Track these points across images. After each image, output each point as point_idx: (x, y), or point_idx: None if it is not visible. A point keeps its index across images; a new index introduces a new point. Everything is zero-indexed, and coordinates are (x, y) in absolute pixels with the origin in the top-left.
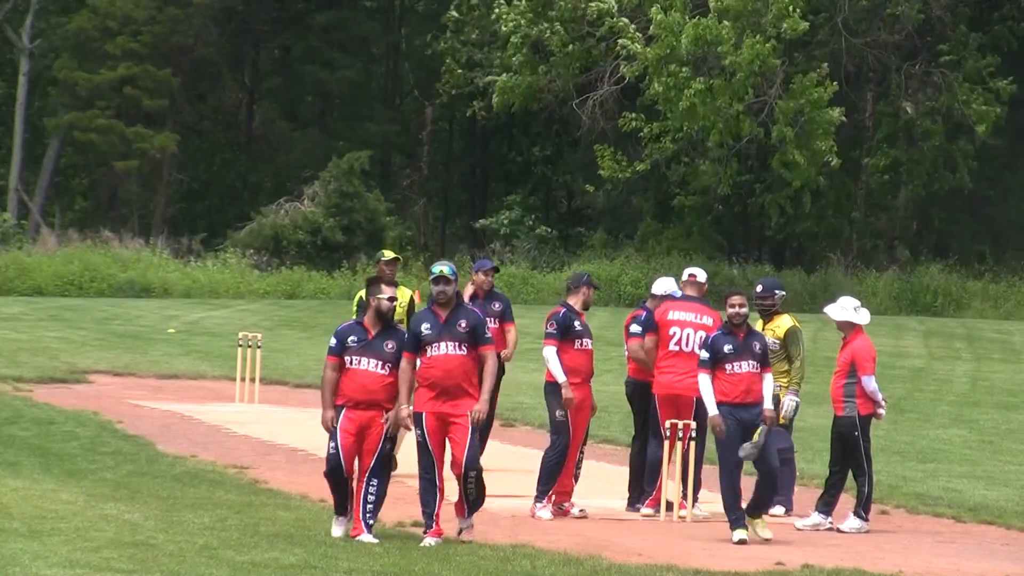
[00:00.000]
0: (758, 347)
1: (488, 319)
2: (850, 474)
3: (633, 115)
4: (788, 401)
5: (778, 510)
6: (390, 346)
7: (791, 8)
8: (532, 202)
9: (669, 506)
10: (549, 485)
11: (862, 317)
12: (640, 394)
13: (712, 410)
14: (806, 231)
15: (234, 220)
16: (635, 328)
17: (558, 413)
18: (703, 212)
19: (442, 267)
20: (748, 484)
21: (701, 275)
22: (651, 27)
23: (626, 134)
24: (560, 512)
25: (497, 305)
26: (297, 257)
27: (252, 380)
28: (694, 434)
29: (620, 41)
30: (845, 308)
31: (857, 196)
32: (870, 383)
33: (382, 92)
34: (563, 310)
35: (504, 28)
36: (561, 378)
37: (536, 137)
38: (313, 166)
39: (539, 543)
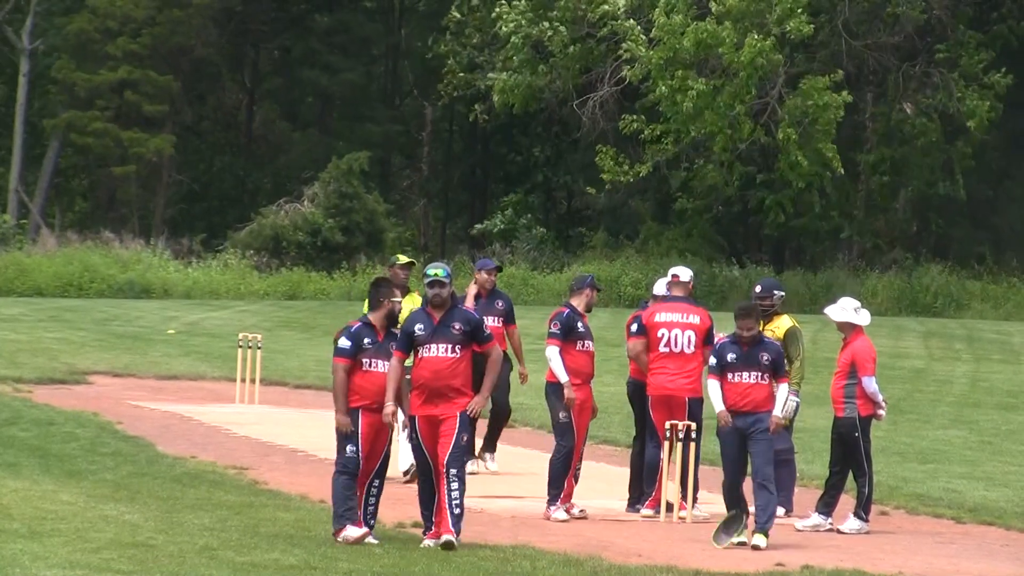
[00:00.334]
0: (766, 358)
1: (492, 317)
2: (850, 475)
3: (633, 117)
4: (788, 401)
5: (778, 511)
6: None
7: (796, 9)
8: (531, 201)
9: (669, 507)
10: (560, 487)
11: (862, 318)
12: (641, 395)
13: (719, 407)
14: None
15: (234, 221)
16: (635, 328)
17: (561, 415)
18: (704, 213)
19: (436, 269)
20: (748, 485)
21: (685, 274)
22: (653, 30)
23: (626, 136)
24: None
25: (500, 304)
26: (297, 258)
27: (252, 381)
28: (694, 435)
29: (624, 45)
30: (845, 309)
31: (857, 198)
32: (870, 384)
33: (382, 92)
34: (567, 311)
35: (504, 28)
36: (564, 378)
37: (536, 138)
38: (313, 167)
39: (539, 544)
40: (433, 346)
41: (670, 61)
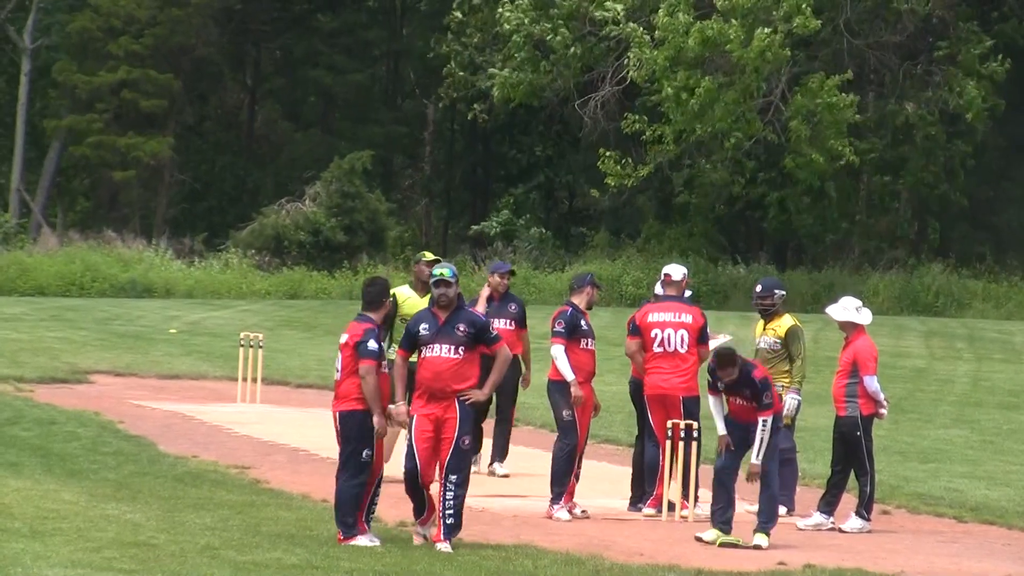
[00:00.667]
0: (749, 393)
1: (504, 320)
2: (852, 474)
3: (635, 117)
4: (790, 400)
5: (780, 510)
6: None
7: (803, 6)
8: (532, 200)
9: (671, 506)
10: (563, 486)
11: (864, 317)
12: (643, 394)
13: (720, 430)
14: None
15: (236, 220)
16: (631, 328)
17: (565, 413)
18: (706, 211)
19: (443, 269)
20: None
21: (677, 273)
22: (656, 31)
23: (628, 136)
24: None
25: (513, 307)
26: (298, 257)
27: (254, 380)
28: (695, 434)
29: (631, 52)
30: (847, 308)
31: (859, 197)
32: (872, 383)
33: (384, 92)
34: (570, 309)
35: (506, 26)
36: (570, 376)
37: (538, 137)
38: (315, 166)
39: (541, 543)
40: (436, 346)
41: (675, 61)
